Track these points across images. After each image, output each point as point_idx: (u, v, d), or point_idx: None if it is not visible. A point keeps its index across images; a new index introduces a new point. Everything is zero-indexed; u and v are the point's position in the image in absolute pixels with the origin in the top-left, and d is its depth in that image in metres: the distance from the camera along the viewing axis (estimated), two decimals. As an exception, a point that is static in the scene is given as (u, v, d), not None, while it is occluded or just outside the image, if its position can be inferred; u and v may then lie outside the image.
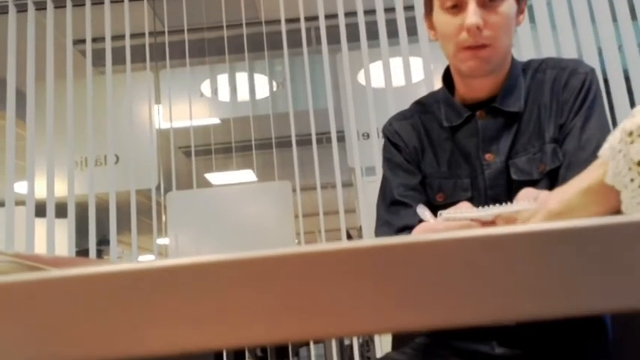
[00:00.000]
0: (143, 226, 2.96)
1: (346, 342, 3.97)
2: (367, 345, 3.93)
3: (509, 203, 0.76)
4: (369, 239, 0.28)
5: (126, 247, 4.68)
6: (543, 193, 0.75)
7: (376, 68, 2.73)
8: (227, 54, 3.16)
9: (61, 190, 2.63)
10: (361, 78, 2.85)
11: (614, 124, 2.27)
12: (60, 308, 0.26)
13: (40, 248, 2.55)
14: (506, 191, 0.99)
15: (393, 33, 2.62)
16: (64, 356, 0.27)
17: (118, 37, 2.77)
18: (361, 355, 3.10)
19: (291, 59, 2.95)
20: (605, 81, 2.40)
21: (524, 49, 2.42)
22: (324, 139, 3.03)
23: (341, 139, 2.75)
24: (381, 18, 2.63)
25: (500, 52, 1.00)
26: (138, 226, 2.71)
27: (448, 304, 0.26)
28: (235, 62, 3.33)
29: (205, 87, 3.38)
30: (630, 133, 0.44)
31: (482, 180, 1.02)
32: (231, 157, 3.73)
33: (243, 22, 3.08)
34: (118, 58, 2.77)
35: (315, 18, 2.77)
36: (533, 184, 0.95)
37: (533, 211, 0.70)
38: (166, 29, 3.00)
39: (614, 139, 0.46)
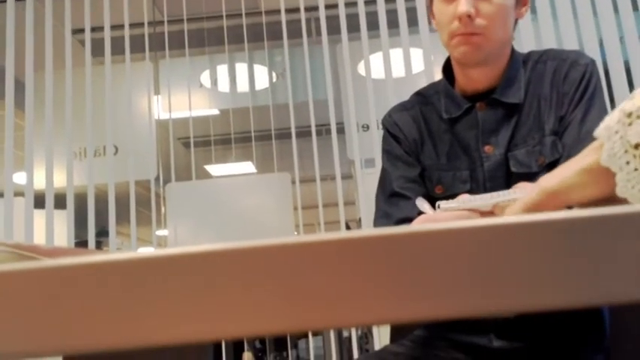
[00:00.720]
0: (142, 217, 2.97)
1: (345, 334, 3.99)
2: (366, 337, 3.95)
3: (506, 191, 0.76)
4: (367, 230, 0.28)
5: (125, 238, 4.69)
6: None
7: (376, 59, 2.72)
8: (227, 44, 3.15)
9: (60, 180, 2.63)
10: (361, 69, 2.84)
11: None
12: (57, 298, 0.26)
13: (40, 239, 2.55)
14: (505, 183, 0.99)
15: (393, 23, 2.60)
16: (62, 346, 0.26)
17: (117, 27, 2.76)
18: (360, 347, 3.11)
19: (291, 50, 2.94)
20: (606, 72, 2.40)
21: (525, 40, 2.41)
22: (323, 130, 3.02)
23: (340, 130, 2.75)
24: (381, 8, 2.62)
25: (494, 41, 0.99)
26: (137, 218, 2.71)
27: (446, 295, 0.26)
28: (235, 52, 3.32)
29: (205, 77, 3.37)
30: (629, 115, 0.43)
31: (481, 172, 1.02)
32: (231, 149, 3.73)
33: (243, 11, 3.06)
34: (117, 47, 2.76)
35: (315, 8, 2.76)
36: (532, 176, 0.95)
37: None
38: (165, 19, 2.99)
39: (611, 119, 0.45)
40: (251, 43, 3.19)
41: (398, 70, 2.61)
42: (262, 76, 3.35)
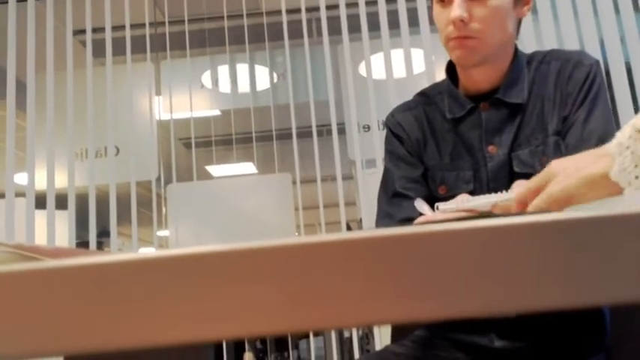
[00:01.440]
0: (143, 218, 2.97)
1: (346, 335, 3.98)
2: (367, 338, 3.94)
3: (505, 191, 0.76)
4: (369, 230, 0.28)
5: (126, 239, 4.69)
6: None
7: (377, 60, 2.72)
8: (228, 45, 3.15)
9: (61, 181, 2.63)
10: (362, 69, 2.84)
11: (616, 116, 2.27)
12: (59, 299, 0.26)
13: (41, 240, 2.55)
14: (508, 183, 0.99)
15: (394, 24, 2.60)
16: (64, 347, 0.26)
17: (118, 28, 2.76)
18: (360, 347, 3.11)
19: (292, 50, 2.94)
20: (607, 72, 2.40)
21: (526, 40, 2.41)
22: (324, 131, 3.02)
23: (341, 131, 2.75)
24: (382, 9, 2.62)
25: (490, 44, 0.99)
26: (138, 218, 2.71)
27: (447, 296, 0.26)
28: (236, 53, 3.32)
29: (206, 78, 3.38)
30: (639, 130, 0.44)
31: (484, 172, 1.02)
32: (232, 149, 3.73)
33: (244, 12, 3.06)
34: (119, 48, 2.76)
35: (316, 9, 2.76)
36: None
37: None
38: (167, 19, 2.99)
39: (622, 135, 0.46)
40: (252, 43, 3.19)
41: (399, 71, 2.61)
42: (263, 77, 3.35)
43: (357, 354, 2.81)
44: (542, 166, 0.98)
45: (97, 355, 0.27)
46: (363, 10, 2.65)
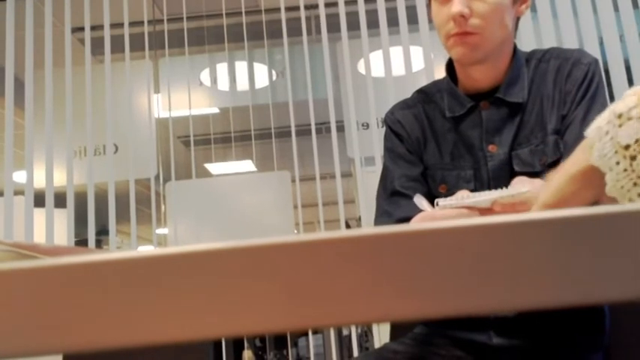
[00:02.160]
0: (142, 216, 2.96)
1: (345, 332, 3.99)
2: (366, 335, 3.95)
3: (504, 188, 0.76)
4: (368, 228, 0.28)
5: (125, 237, 4.69)
6: (537, 181, 0.76)
7: (376, 57, 2.71)
8: (226, 42, 3.15)
9: (60, 179, 2.63)
10: (361, 67, 2.84)
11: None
12: (57, 297, 0.26)
13: (40, 238, 2.55)
14: (508, 183, 0.99)
15: (393, 21, 2.60)
16: (62, 345, 0.26)
17: (116, 25, 2.76)
18: (360, 345, 3.11)
19: (291, 48, 2.94)
20: (606, 71, 2.40)
21: (525, 38, 2.41)
22: (323, 129, 3.02)
23: (340, 129, 2.74)
24: (381, 6, 2.61)
25: (490, 40, 0.99)
26: (137, 216, 2.71)
27: (446, 294, 0.26)
28: (235, 51, 3.32)
29: (205, 76, 3.37)
30: (619, 116, 0.43)
31: (485, 171, 1.01)
32: (231, 147, 3.72)
33: (243, 10, 3.06)
34: (117, 46, 2.76)
35: (315, 6, 2.75)
36: (535, 175, 0.95)
37: (529, 196, 0.71)
38: (165, 17, 2.98)
39: (602, 119, 0.46)
40: (251, 41, 3.18)
41: (398, 69, 2.61)
42: (262, 75, 3.35)
43: (356, 352, 2.81)
44: (542, 165, 0.98)
45: (96, 354, 0.27)
46: (362, 8, 2.64)
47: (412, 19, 2.59)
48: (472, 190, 0.99)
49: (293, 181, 2.85)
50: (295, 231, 2.95)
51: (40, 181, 2.60)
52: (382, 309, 0.26)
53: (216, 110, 3.69)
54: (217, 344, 2.91)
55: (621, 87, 2.38)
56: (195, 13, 3.28)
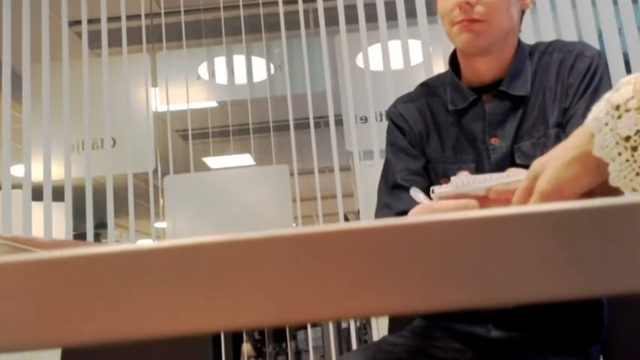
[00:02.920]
0: (141, 209, 2.96)
1: (343, 325, 4.00)
2: (364, 328, 3.96)
3: (500, 174, 0.76)
4: (366, 221, 0.28)
5: (123, 230, 4.69)
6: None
7: (375, 51, 2.71)
8: (224, 36, 3.13)
9: (57, 173, 2.63)
10: (359, 61, 2.83)
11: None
12: (56, 291, 0.26)
13: (38, 232, 2.55)
14: None
15: (391, 15, 2.59)
16: (61, 339, 0.26)
17: (114, 19, 2.74)
18: (358, 338, 3.12)
19: (289, 42, 2.92)
20: (605, 63, 2.39)
21: (524, 31, 2.40)
22: (321, 122, 3.02)
23: (339, 122, 2.74)
24: (379, 0, 2.60)
25: (495, 29, 0.98)
26: (135, 210, 2.71)
27: (445, 287, 0.26)
28: (233, 44, 3.31)
29: (202, 69, 3.36)
30: (617, 107, 0.43)
31: (487, 164, 1.01)
32: (229, 141, 3.72)
33: (240, 3, 3.05)
34: (115, 40, 2.75)
35: (314, 0, 2.74)
36: None
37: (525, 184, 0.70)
38: (163, 11, 2.97)
39: (598, 110, 0.46)
40: (249, 35, 3.17)
41: (396, 62, 2.61)
42: (260, 68, 3.34)
43: (354, 345, 2.82)
44: None
45: (95, 347, 0.27)
46: (360, 1, 2.64)
47: (411, 12, 2.58)
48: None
49: (291, 174, 2.85)
50: (294, 224, 2.96)
51: (37, 175, 2.59)
52: (381, 302, 0.26)
53: (214, 104, 3.68)
54: (216, 337, 2.92)
55: (620, 80, 2.37)
56: (192, 7, 3.27)
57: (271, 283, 0.26)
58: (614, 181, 0.44)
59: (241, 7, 3.06)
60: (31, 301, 0.26)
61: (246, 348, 4.94)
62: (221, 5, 3.06)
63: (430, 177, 1.07)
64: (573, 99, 0.98)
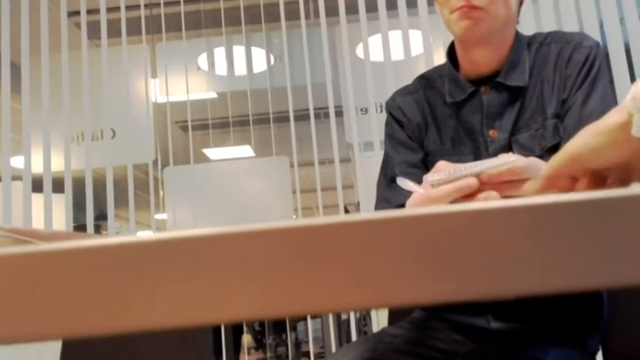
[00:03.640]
0: (141, 201, 2.96)
1: (343, 317, 4.01)
2: (364, 320, 3.97)
3: (491, 159, 0.76)
4: (366, 213, 0.27)
5: (124, 222, 4.69)
6: (531, 158, 0.76)
7: (375, 41, 2.70)
8: (224, 26, 3.12)
9: (57, 164, 2.63)
10: (360, 51, 2.82)
11: (615, 98, 2.26)
12: (56, 283, 0.26)
13: (38, 224, 2.55)
14: None
15: (392, 5, 2.58)
16: (62, 331, 0.26)
17: (113, 9, 2.73)
18: (358, 329, 3.13)
19: (289, 32, 2.91)
20: (606, 55, 2.39)
21: (525, 22, 2.39)
22: (321, 114, 3.01)
23: (339, 114, 2.74)
24: (380, -10, 2.59)
25: (494, 18, 0.98)
26: (135, 202, 2.71)
27: (444, 279, 0.26)
28: (232, 35, 3.29)
29: (202, 60, 3.35)
30: None
31: (486, 157, 1.01)
32: (229, 132, 3.71)
33: (240, -7, 3.03)
34: (114, 30, 2.74)
35: (314, -10, 2.72)
36: None
37: (513, 166, 0.70)
38: (162, 1, 2.96)
39: (637, 91, 0.45)
40: (248, 25, 3.16)
41: (397, 53, 2.60)
42: (260, 59, 3.32)
43: (354, 336, 2.83)
44: (542, 149, 0.98)
45: (95, 339, 0.27)
46: (360, -9, 2.62)
47: (411, 2, 2.57)
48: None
49: (291, 166, 2.85)
50: (294, 216, 2.96)
51: (37, 167, 2.59)
52: (381, 295, 0.26)
53: (214, 95, 3.67)
54: (216, 329, 2.93)
55: (621, 70, 2.37)
56: (192, -3, 3.25)
57: (271, 275, 0.26)
58: None
59: (241, -2, 3.05)
60: (32, 293, 0.26)
61: (247, 339, 4.96)
62: (221, -5, 3.05)
63: (429, 169, 1.07)
64: (571, 90, 0.98)
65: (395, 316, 1.16)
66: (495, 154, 1.00)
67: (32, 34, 2.62)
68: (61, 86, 2.63)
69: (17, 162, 2.66)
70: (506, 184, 0.73)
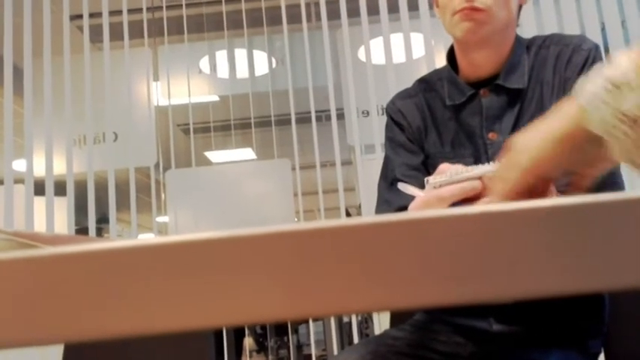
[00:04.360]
0: (142, 204, 2.97)
1: (345, 319, 4.01)
2: (366, 322, 3.97)
3: (492, 163, 0.76)
4: (368, 217, 0.28)
5: (125, 225, 4.69)
6: None
7: (377, 44, 2.70)
8: (226, 30, 3.13)
9: (59, 168, 2.63)
10: (361, 54, 2.83)
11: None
12: (58, 286, 0.26)
13: (40, 227, 2.55)
14: None
15: (393, 8, 2.58)
16: (64, 334, 0.27)
17: (115, 13, 2.74)
18: (360, 332, 3.13)
19: (291, 35, 2.92)
20: (602, 57, 2.38)
21: (527, 24, 2.39)
22: (323, 116, 3.01)
23: (340, 116, 2.74)
24: (381, -7, 2.59)
25: (496, 20, 0.98)
26: (137, 205, 2.71)
27: (446, 282, 0.26)
28: (234, 38, 3.30)
29: (204, 63, 3.35)
30: (614, 82, 0.42)
31: (485, 159, 1.01)
32: (230, 135, 3.72)
33: (242, -3, 3.04)
34: (116, 34, 2.74)
35: (315, -7, 2.73)
36: None
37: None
38: (164, 4, 2.96)
39: (594, 85, 0.44)
40: (250, 28, 3.16)
41: (398, 56, 2.60)
42: (262, 62, 3.33)
43: (356, 338, 2.83)
44: None
45: (97, 343, 0.27)
46: (362, -6, 2.63)
47: (413, 5, 2.57)
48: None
49: (293, 169, 2.85)
50: (295, 219, 2.96)
51: (39, 170, 2.59)
52: (382, 298, 0.26)
53: (215, 98, 3.67)
54: (218, 332, 2.93)
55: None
56: (194, 0, 3.26)
57: (272, 277, 0.26)
58: (615, 157, 0.43)
59: (243, 1, 3.05)
60: (35, 297, 0.26)
61: (248, 342, 4.96)
62: (222, -1, 3.05)
63: (429, 172, 1.07)
64: (570, 92, 0.98)
65: (397, 318, 1.16)
66: (495, 157, 1.00)
67: (35, 37, 2.63)
68: (63, 89, 2.63)
69: (19, 165, 2.66)
70: None
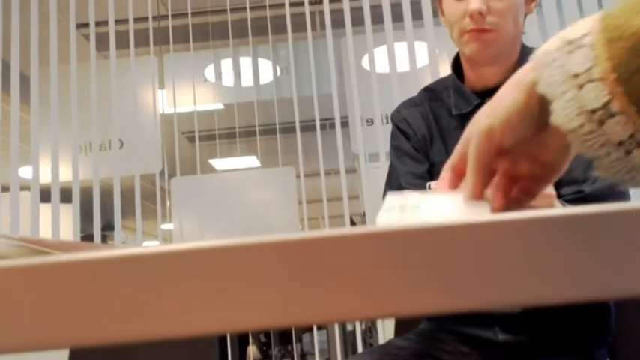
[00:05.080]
0: (147, 211, 2.97)
1: (349, 328, 3.99)
2: (370, 331, 3.95)
3: None
4: (373, 225, 0.28)
5: (130, 232, 4.70)
6: None
7: (381, 53, 2.71)
8: (231, 38, 3.14)
9: (65, 175, 2.64)
10: (366, 63, 2.84)
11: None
12: (65, 292, 0.26)
13: (45, 234, 2.56)
14: None
15: (398, 17, 2.59)
16: (69, 339, 0.27)
17: (121, 21, 2.76)
18: (364, 341, 3.12)
19: (295, 44, 2.93)
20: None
21: (530, 34, 2.40)
22: (327, 125, 3.02)
23: (345, 125, 2.74)
24: (386, 2, 2.61)
25: (505, 38, 0.99)
26: (142, 212, 2.72)
27: (451, 289, 0.26)
28: (239, 47, 3.32)
29: (209, 72, 3.37)
30: (570, 42, 0.40)
31: None
32: (235, 143, 3.73)
33: (247, 5, 3.06)
34: (122, 42, 2.76)
35: (320, 2, 2.74)
36: None
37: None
38: (170, 13, 2.99)
39: (550, 44, 0.43)
40: (255, 37, 3.18)
41: (402, 64, 2.60)
42: (266, 71, 3.34)
43: (360, 348, 2.81)
44: None
45: (102, 348, 0.27)
46: (366, 3, 2.64)
47: (417, 14, 2.58)
48: None
49: (297, 177, 2.85)
50: (300, 227, 2.96)
51: (45, 177, 2.61)
52: (387, 304, 0.26)
53: (220, 106, 3.69)
54: (222, 339, 2.92)
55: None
56: (199, 9, 3.28)
57: (277, 285, 0.26)
58: (555, 120, 0.40)
59: (248, 10, 3.07)
60: (41, 303, 0.26)
61: (252, 350, 4.94)
62: (228, 7, 3.07)
63: (434, 181, 1.07)
64: None
65: (401, 327, 1.16)
66: None
67: (41, 45, 2.65)
68: (69, 97, 2.65)
69: (25, 172, 2.68)
70: None
